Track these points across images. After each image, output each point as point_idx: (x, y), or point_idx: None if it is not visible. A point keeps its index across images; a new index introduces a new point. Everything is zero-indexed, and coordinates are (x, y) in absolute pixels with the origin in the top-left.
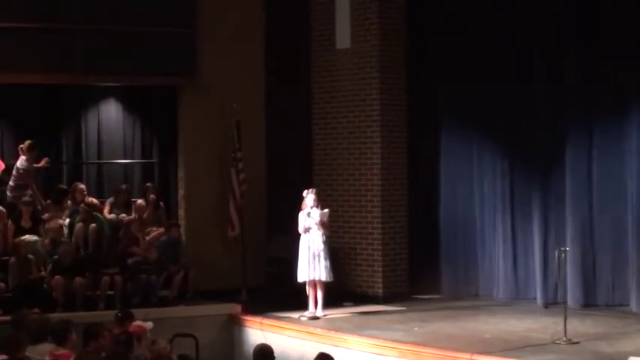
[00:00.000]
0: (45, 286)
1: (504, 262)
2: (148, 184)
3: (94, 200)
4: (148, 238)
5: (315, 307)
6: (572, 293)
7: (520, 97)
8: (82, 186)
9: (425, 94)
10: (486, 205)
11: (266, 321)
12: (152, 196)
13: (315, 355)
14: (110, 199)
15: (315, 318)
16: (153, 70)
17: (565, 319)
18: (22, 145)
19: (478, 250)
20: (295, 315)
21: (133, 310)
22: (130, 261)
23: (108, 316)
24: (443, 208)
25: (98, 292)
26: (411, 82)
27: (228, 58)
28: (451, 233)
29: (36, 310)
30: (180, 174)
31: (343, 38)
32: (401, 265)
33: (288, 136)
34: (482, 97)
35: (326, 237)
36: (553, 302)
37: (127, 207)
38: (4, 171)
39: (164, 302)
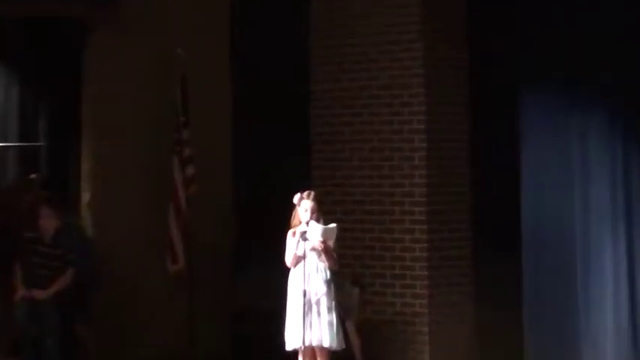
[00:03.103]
0: None
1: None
2: (33, 175)
3: None
4: None
5: None
6: None
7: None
8: None
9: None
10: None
11: None
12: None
13: None
14: None
15: None
16: None
17: None
18: None
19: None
20: None
21: None
22: None
23: None
24: (524, 226)
25: None
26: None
27: None
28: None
29: None
30: (85, 166)
31: None
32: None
33: (270, 107)
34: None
35: (332, 273)
36: None
37: None
38: None
39: None
